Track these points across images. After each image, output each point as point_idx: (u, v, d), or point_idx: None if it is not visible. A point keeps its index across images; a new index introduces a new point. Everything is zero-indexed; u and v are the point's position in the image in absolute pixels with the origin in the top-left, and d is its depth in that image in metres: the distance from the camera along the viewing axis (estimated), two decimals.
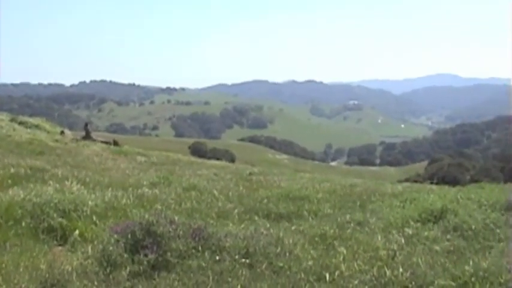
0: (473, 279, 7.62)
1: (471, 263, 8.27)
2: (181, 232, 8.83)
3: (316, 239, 10.23)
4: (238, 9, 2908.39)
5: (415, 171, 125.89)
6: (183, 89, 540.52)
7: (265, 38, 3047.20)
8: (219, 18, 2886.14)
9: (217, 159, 55.97)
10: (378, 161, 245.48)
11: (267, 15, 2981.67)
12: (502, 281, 7.55)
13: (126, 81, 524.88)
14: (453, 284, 7.54)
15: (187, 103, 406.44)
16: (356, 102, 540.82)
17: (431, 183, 25.79)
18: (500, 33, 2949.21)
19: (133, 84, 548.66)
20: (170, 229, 8.76)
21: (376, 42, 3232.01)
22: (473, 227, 11.04)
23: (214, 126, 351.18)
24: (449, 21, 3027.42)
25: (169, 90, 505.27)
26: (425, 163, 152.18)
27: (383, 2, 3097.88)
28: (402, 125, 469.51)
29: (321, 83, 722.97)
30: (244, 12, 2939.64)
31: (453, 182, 56.16)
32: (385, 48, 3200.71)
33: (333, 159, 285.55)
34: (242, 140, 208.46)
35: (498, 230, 11.02)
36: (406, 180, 68.69)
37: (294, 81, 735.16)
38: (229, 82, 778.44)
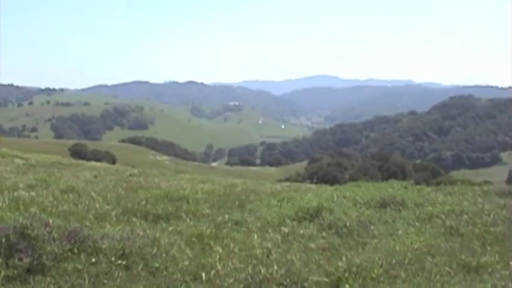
0: (346, 274, 7.84)
1: (345, 259, 8.51)
2: (56, 235, 8.70)
3: (193, 239, 10.30)
4: (116, 10, 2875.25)
5: (295, 171, 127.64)
6: (62, 90, 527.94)
7: (146, 38, 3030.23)
8: (97, 18, 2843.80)
9: (98, 160, 55.38)
10: (258, 161, 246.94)
11: (146, 16, 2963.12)
12: (374, 275, 7.80)
13: (4, 82, 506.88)
14: (327, 280, 7.72)
15: (67, 104, 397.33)
16: (237, 103, 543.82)
17: (311, 182, 26.40)
18: (377, 35, 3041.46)
19: (12, 85, 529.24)
20: (45, 232, 8.62)
21: (257, 44, 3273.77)
22: (347, 224, 11.36)
23: (94, 127, 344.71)
24: (329, 24, 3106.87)
25: (48, 91, 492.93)
26: (305, 163, 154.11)
27: (261, 4, 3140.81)
28: (282, 126, 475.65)
29: (202, 83, 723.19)
30: (122, 13, 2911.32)
31: (332, 181, 57.56)
32: (266, 49, 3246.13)
33: (214, 160, 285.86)
34: (123, 141, 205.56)
35: (372, 227, 11.41)
36: (287, 179, 69.77)
37: (174, 82, 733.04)
38: (109, 83, 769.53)
